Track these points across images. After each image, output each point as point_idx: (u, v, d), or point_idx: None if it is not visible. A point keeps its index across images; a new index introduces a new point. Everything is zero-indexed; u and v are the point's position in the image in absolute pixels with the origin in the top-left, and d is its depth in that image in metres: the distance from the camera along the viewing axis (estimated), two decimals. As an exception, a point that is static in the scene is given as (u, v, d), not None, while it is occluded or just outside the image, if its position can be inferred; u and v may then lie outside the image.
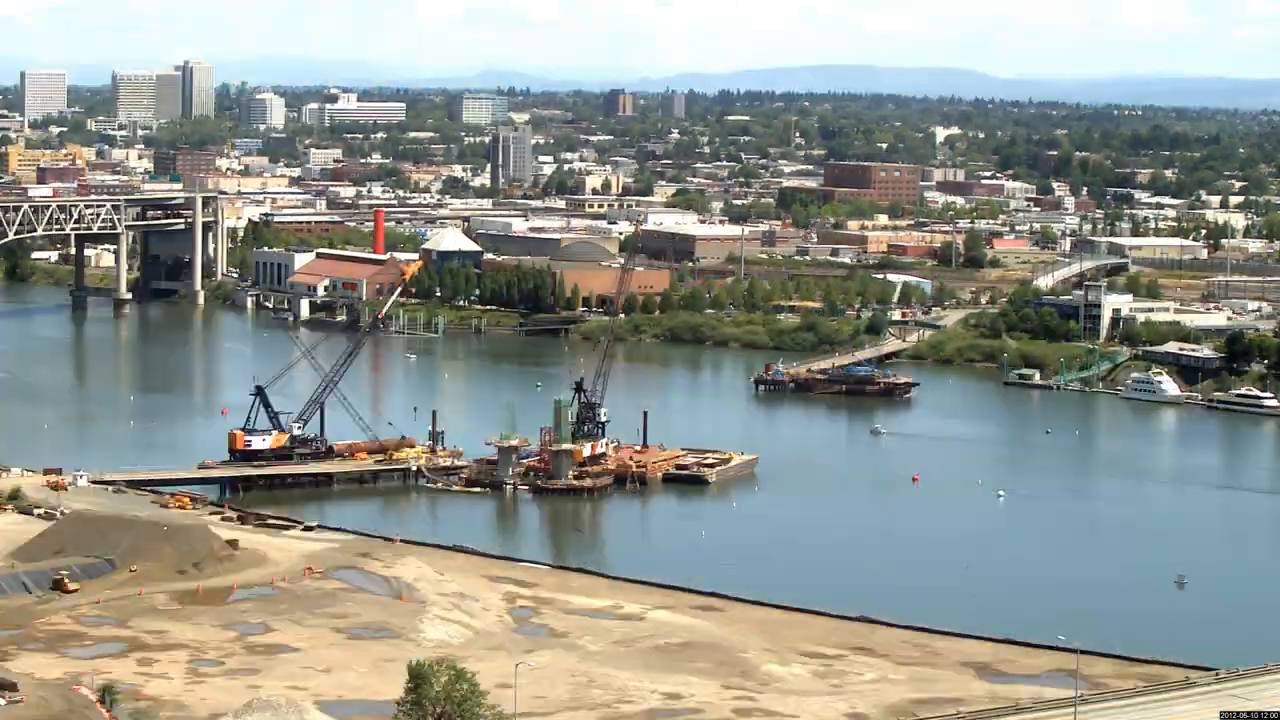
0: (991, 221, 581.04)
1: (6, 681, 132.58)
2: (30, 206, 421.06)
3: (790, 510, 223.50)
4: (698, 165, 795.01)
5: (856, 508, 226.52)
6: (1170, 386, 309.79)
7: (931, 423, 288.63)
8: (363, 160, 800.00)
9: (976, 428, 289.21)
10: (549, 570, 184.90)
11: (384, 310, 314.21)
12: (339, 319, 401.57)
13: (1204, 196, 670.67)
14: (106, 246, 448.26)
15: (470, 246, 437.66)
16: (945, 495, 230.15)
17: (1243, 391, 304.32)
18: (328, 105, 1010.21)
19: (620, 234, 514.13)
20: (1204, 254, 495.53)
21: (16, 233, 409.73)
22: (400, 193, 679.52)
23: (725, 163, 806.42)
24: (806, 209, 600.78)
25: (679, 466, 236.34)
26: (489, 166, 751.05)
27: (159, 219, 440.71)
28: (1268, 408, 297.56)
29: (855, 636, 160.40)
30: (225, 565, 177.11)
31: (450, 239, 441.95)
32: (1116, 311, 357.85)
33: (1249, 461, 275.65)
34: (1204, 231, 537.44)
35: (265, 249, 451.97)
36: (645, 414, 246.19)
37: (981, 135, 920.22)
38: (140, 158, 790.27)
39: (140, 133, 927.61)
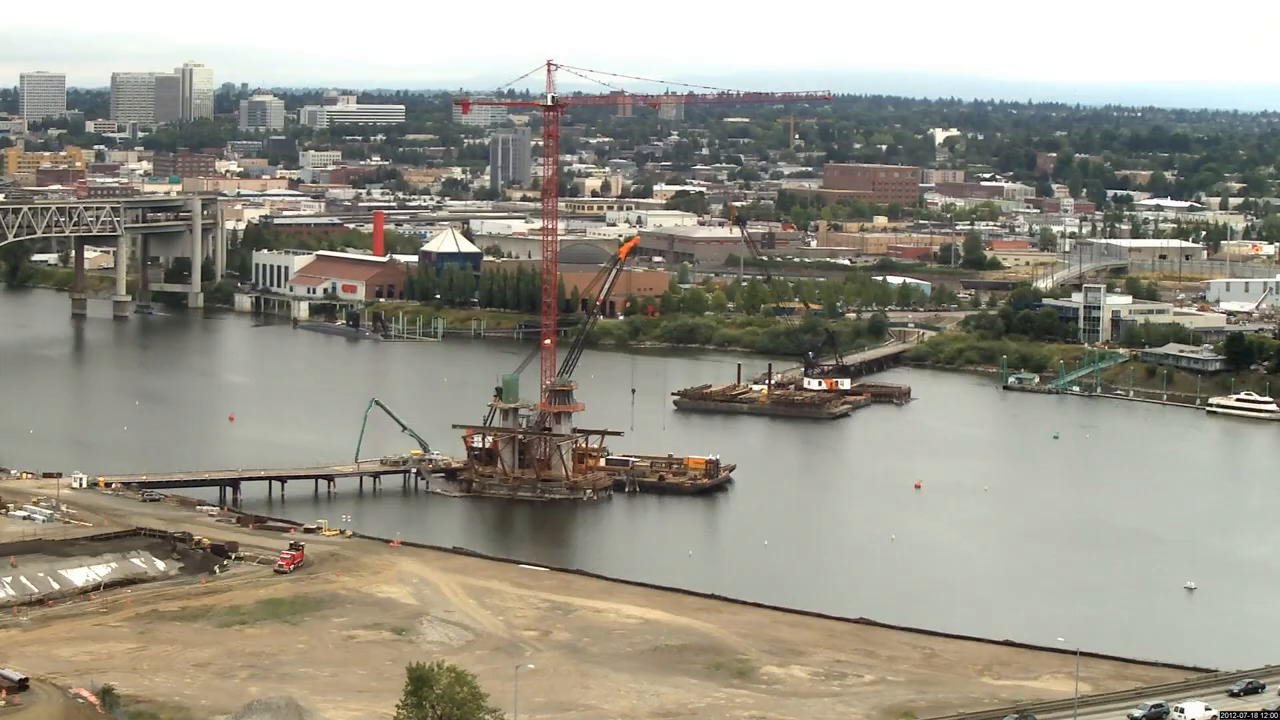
0: (991, 223, 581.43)
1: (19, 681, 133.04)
2: (30, 209, 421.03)
3: (793, 513, 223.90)
4: (697, 167, 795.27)
5: (858, 512, 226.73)
6: None
7: (933, 426, 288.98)
8: (362, 162, 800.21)
9: (978, 432, 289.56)
10: (548, 572, 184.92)
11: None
12: (338, 321, 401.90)
13: (1204, 198, 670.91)
14: (106, 249, 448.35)
15: (469, 248, 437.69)
16: (948, 500, 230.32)
17: (1242, 396, 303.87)
18: (327, 107, 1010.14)
19: (620, 236, 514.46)
20: (1204, 255, 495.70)
21: (16, 235, 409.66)
22: (399, 195, 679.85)
23: (724, 164, 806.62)
24: (806, 211, 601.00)
25: None
26: (488, 168, 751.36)
27: (158, 221, 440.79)
28: (1267, 413, 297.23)
29: (854, 638, 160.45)
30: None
31: (449, 241, 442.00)
32: (1116, 313, 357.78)
33: (1249, 465, 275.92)
34: (1203, 233, 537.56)
35: (265, 251, 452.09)
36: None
37: (980, 137, 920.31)
38: (139, 160, 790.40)
39: (139, 135, 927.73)
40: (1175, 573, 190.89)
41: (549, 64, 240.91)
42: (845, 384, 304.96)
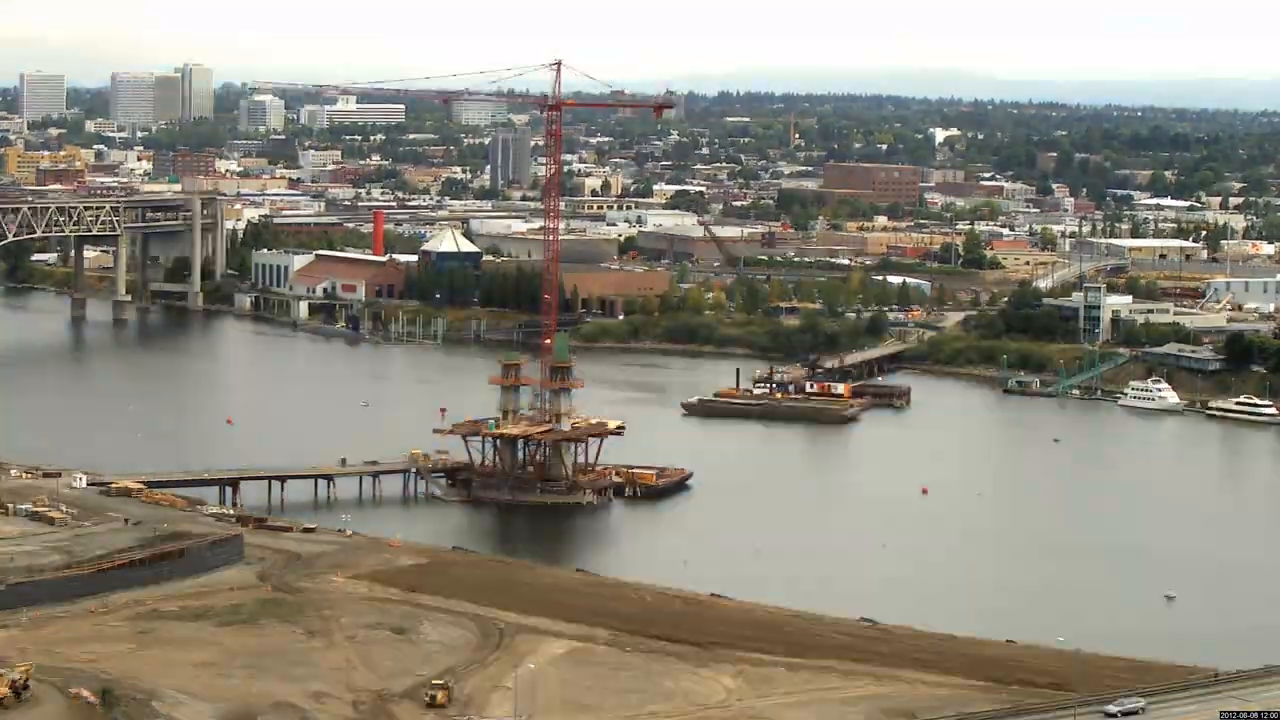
0: (991, 223, 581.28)
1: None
2: (29, 208, 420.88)
3: (795, 514, 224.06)
4: (697, 166, 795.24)
5: (862, 515, 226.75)
6: (1170, 395, 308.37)
7: (933, 430, 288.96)
8: (361, 162, 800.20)
9: (978, 435, 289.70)
10: (547, 571, 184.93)
11: None
12: (338, 324, 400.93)
13: (1204, 198, 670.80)
14: (105, 248, 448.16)
15: (469, 248, 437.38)
16: (949, 504, 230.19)
17: (1242, 400, 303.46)
18: (326, 107, 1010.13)
19: (619, 235, 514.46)
20: (1204, 255, 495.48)
21: (16, 234, 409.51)
22: (399, 194, 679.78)
23: (724, 164, 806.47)
24: (806, 210, 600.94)
25: None
26: (488, 168, 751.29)
27: (158, 220, 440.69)
28: (1266, 416, 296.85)
29: (855, 638, 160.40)
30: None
31: (449, 241, 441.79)
32: (1116, 313, 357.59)
33: (1248, 470, 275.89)
34: (1204, 233, 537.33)
35: (264, 250, 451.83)
36: None
37: (980, 137, 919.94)
38: (139, 159, 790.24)
39: (139, 134, 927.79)
40: (1172, 575, 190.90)
41: (558, 64, 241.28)
42: (839, 388, 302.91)
